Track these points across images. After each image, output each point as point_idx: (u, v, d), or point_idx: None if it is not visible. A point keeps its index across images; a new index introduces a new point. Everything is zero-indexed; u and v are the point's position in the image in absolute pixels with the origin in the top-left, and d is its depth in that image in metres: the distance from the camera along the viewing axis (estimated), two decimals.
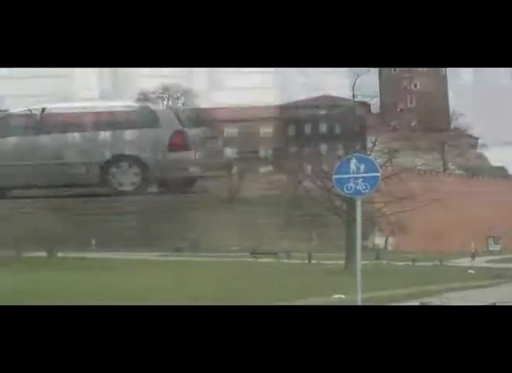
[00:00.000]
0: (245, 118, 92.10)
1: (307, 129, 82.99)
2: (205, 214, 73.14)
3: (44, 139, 12.09)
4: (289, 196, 62.20)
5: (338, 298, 17.69)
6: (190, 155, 11.63)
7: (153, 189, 12.93)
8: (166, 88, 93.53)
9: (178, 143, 11.47)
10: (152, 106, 15.87)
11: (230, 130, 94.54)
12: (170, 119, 11.91)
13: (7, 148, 12.27)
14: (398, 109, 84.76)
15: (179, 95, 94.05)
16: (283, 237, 67.29)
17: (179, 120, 11.91)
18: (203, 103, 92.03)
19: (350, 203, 32.69)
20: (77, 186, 12.68)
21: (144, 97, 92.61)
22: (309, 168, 46.83)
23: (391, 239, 60.79)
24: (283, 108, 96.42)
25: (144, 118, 11.89)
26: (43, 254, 43.74)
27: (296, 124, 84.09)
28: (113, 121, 12.05)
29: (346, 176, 10.63)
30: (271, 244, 65.04)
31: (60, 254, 46.30)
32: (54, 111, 12.26)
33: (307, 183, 42.25)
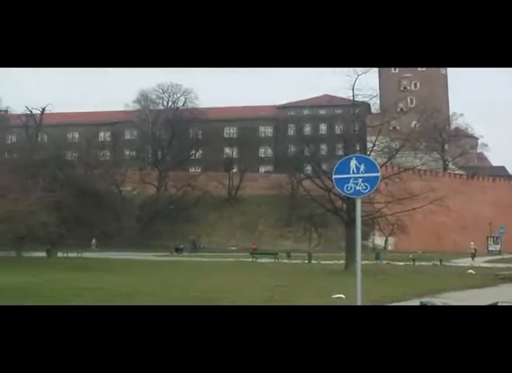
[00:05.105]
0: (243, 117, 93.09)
1: (307, 129, 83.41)
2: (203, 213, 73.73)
3: None
4: (289, 197, 62.45)
5: (337, 298, 17.67)
6: None
7: None
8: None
9: None
10: None
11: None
12: None
13: None
14: (398, 109, 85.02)
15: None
16: (283, 237, 67.62)
17: None
18: None
19: (350, 203, 32.88)
20: None
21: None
22: (309, 168, 46.80)
23: (390, 239, 60.87)
24: (281, 108, 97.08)
25: None
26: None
27: (296, 124, 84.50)
28: None
29: (346, 176, 10.60)
30: (272, 244, 65.32)
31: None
32: None
33: (307, 183, 42.21)
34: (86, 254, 49.14)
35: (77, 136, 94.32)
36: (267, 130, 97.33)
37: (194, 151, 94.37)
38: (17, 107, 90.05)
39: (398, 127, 64.74)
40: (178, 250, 61.69)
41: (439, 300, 14.21)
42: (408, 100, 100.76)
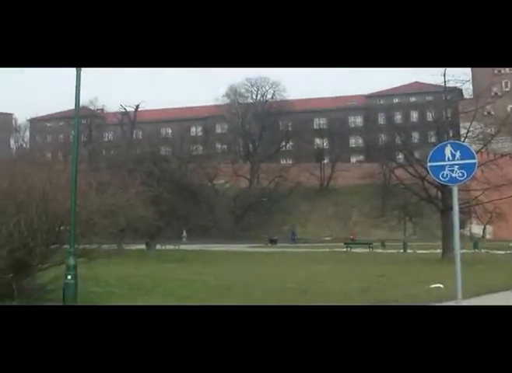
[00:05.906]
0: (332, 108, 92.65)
1: (398, 117, 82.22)
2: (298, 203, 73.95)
3: None
4: (382, 186, 61.80)
5: (435, 288, 17.48)
6: None
7: None
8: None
9: None
10: None
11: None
12: None
13: None
14: (492, 94, 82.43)
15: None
16: (377, 227, 66.98)
17: None
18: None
19: (445, 191, 32.31)
20: None
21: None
22: (401, 156, 46.17)
23: (489, 228, 59.27)
24: (371, 97, 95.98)
25: None
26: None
27: (386, 113, 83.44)
28: None
29: (441, 163, 10.50)
30: (365, 234, 64.88)
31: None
32: None
33: (400, 172, 41.66)
34: (182, 246, 50.40)
35: (170, 132, 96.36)
36: (357, 120, 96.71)
37: (284, 143, 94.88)
38: (112, 106, 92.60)
39: (492, 112, 62.75)
40: (272, 241, 62.20)
41: None
42: (503, 84, 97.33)
